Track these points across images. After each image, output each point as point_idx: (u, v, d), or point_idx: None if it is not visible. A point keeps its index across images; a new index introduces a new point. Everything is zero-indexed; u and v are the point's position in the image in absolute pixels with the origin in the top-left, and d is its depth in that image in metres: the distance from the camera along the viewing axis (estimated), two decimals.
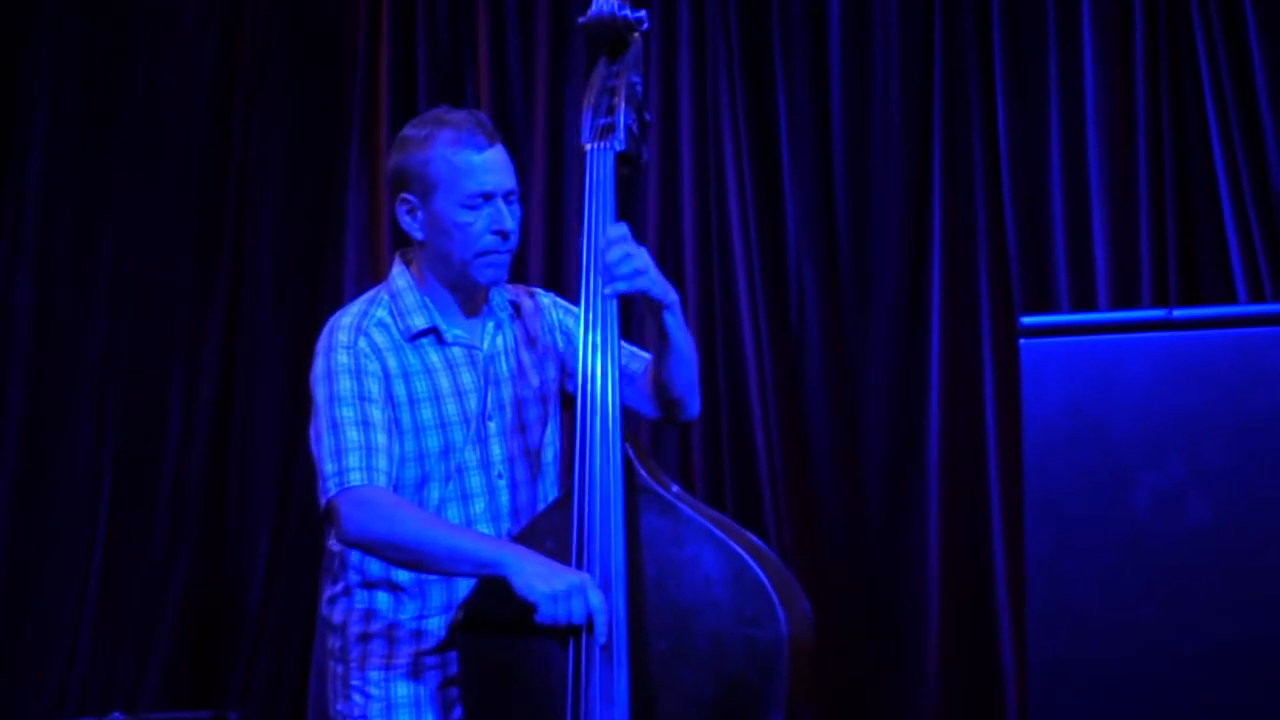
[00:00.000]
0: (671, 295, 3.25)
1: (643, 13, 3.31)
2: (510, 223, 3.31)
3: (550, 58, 5.77)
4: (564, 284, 5.49)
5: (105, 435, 5.88)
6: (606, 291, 3.14)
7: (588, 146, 3.25)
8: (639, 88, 3.29)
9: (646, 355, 3.43)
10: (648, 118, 3.34)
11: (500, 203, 3.30)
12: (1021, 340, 2.44)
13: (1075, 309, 5.18)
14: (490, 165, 3.30)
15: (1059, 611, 2.37)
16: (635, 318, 5.07)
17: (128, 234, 5.93)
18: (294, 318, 5.85)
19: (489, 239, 3.29)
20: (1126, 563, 2.35)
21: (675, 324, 3.28)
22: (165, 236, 5.93)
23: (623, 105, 3.24)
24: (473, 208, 3.28)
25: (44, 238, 5.95)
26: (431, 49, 5.85)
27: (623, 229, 3.18)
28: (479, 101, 5.77)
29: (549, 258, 5.66)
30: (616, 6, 3.29)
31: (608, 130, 3.24)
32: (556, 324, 3.50)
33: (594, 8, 3.31)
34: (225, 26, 5.98)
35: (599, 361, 3.14)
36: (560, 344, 3.48)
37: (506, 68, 5.81)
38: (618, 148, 3.23)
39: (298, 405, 5.71)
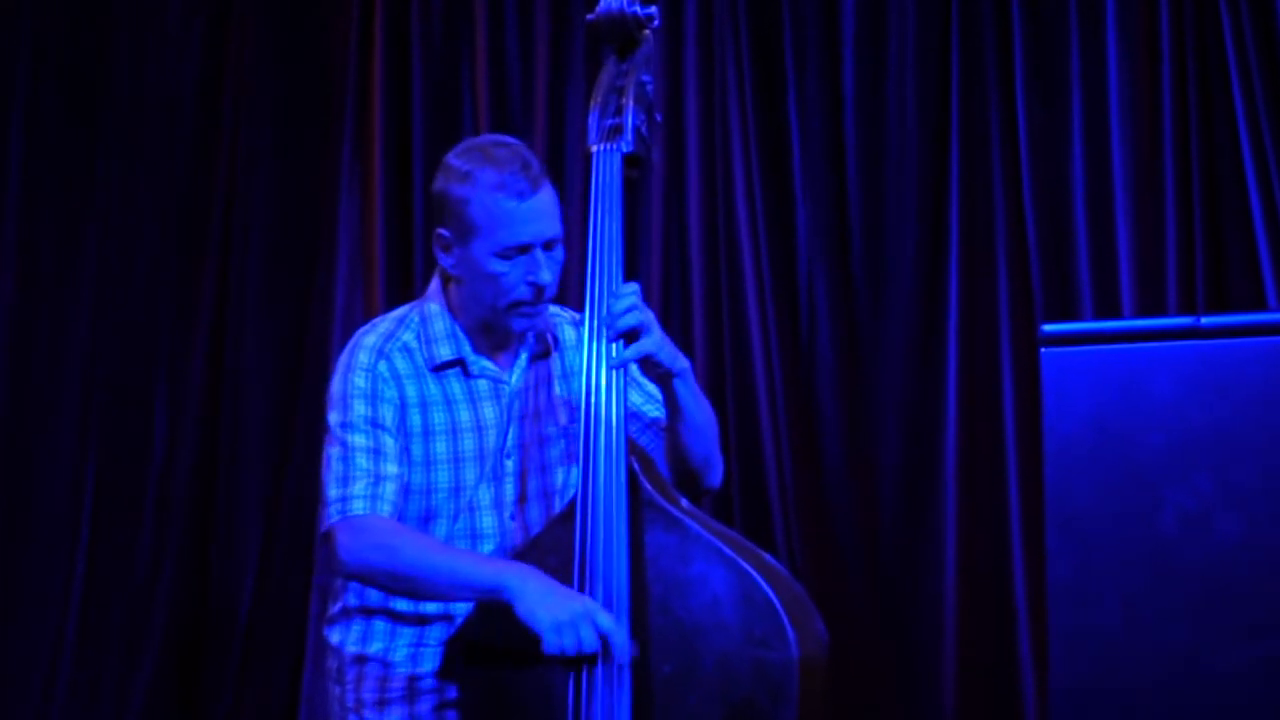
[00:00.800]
0: (681, 362, 3.22)
1: (653, 9, 3.30)
2: (547, 275, 3.26)
3: (551, 56, 5.75)
4: (565, 295, 5.46)
5: (88, 445, 5.86)
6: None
7: (594, 148, 3.23)
8: (649, 87, 3.28)
9: (663, 421, 3.38)
10: (658, 119, 3.32)
11: (539, 253, 3.25)
12: (1042, 349, 2.43)
13: (1099, 316, 5.17)
14: (531, 215, 3.24)
15: (1082, 634, 2.36)
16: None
17: (111, 237, 5.91)
18: (283, 324, 5.83)
19: (522, 289, 3.26)
20: (1153, 583, 2.34)
21: (687, 392, 3.25)
22: (150, 240, 5.91)
23: (631, 105, 3.23)
24: (508, 258, 3.24)
25: (25, 240, 5.93)
26: (426, 46, 5.82)
27: (633, 286, 3.15)
28: (475, 102, 5.75)
29: None
30: (626, 3, 3.27)
31: (615, 131, 3.22)
32: None
33: (602, 4, 3.29)
34: (212, 22, 5.96)
35: (603, 370, 3.12)
36: None
37: (505, 66, 5.79)
38: (625, 149, 3.21)
39: (288, 415, 5.75)
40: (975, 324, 5.39)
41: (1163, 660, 2.33)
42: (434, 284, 3.40)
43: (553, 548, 3.12)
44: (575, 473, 3.32)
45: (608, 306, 3.13)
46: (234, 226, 5.90)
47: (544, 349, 3.42)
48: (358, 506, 3.20)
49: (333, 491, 3.22)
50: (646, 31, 3.31)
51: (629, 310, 3.12)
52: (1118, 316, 5.15)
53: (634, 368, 3.24)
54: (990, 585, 5.29)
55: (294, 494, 5.71)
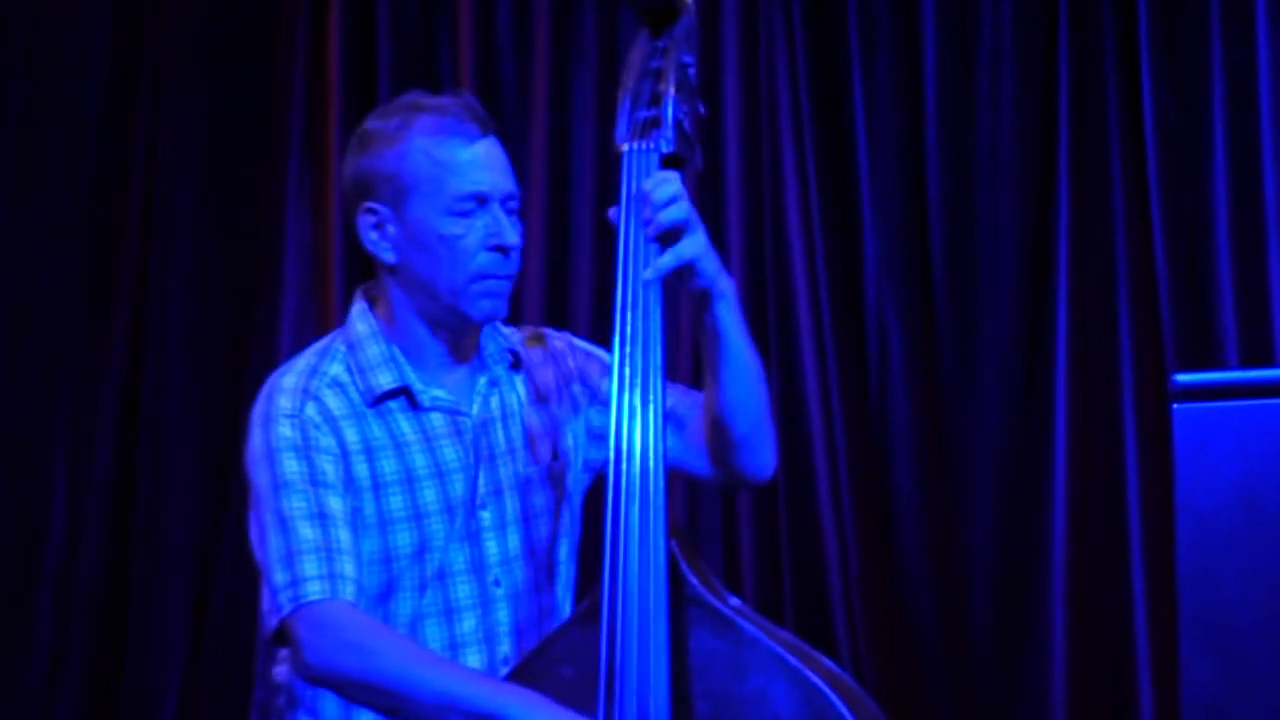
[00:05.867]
0: (725, 281, 3.21)
1: None
2: (513, 236, 3.29)
3: (553, 27, 5.78)
4: (569, 324, 5.48)
5: None
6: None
7: (625, 147, 3.20)
8: (692, 70, 3.24)
9: (699, 394, 3.37)
10: (702, 111, 3.28)
11: (498, 210, 3.29)
12: (1175, 405, 2.43)
13: (1245, 364, 5.20)
14: (485, 160, 3.29)
15: None
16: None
17: (1, 268, 5.95)
18: (216, 373, 5.83)
19: (485, 257, 3.28)
20: None
21: (731, 320, 3.23)
22: (49, 270, 5.89)
23: (671, 93, 3.19)
24: (463, 215, 3.27)
25: None
26: (396, 25, 5.84)
27: (673, 174, 3.13)
28: (458, 86, 5.72)
29: (551, 290, 5.68)
30: None
31: (651, 125, 3.19)
32: (575, 373, 3.47)
33: None
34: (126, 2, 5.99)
35: (638, 430, 3.09)
36: (582, 400, 3.45)
37: (495, 40, 5.82)
38: (665, 149, 3.17)
39: (220, 488, 5.71)
40: (1090, 375, 5.42)
41: None
42: (356, 305, 3.40)
43: (568, 657, 3.10)
44: (567, 522, 3.38)
45: (644, 194, 3.11)
46: (153, 253, 5.89)
47: (505, 370, 3.43)
48: (314, 590, 3.17)
49: (279, 576, 3.19)
50: (688, 1, 3.29)
51: (673, 200, 3.12)
52: (1268, 364, 5.17)
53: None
54: (1109, 703, 5.31)
55: (228, 587, 5.68)
